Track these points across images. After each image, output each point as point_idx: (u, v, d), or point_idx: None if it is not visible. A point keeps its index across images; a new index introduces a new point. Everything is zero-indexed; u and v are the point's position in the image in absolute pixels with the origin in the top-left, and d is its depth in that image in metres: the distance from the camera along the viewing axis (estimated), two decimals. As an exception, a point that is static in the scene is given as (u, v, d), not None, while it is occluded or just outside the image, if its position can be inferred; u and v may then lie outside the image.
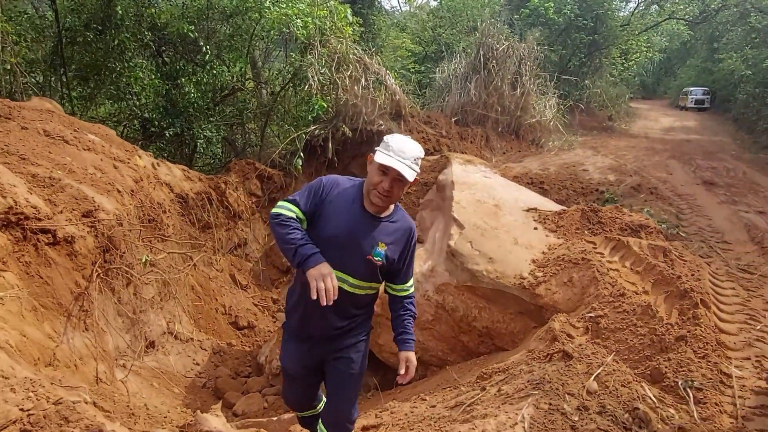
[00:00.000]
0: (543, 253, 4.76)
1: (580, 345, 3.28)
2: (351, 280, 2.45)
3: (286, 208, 2.37)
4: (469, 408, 3.17)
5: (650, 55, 27.66)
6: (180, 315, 7.04)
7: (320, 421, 2.78)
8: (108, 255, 5.05)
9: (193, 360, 6.78)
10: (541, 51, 13.78)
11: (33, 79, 9.86)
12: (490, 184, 6.52)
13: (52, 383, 2.87)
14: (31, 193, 4.46)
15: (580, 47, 19.87)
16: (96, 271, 4.79)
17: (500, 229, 5.16)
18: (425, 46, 16.66)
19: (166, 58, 10.55)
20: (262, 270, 8.75)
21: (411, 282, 2.73)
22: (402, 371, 2.51)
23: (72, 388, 3.04)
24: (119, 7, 7.97)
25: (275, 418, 4.14)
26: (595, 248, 4.80)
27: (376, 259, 2.43)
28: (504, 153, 11.97)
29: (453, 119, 11.44)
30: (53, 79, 9.79)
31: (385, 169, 2.33)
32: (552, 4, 17.97)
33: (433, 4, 18.53)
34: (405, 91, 11.84)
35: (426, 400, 3.87)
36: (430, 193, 6.95)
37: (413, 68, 15.67)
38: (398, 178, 2.32)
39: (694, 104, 30.46)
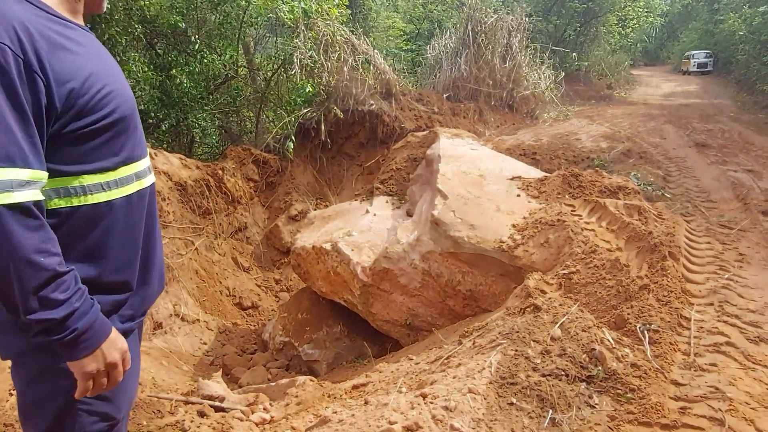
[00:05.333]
0: (524, 218, 4.95)
1: (549, 298, 3.49)
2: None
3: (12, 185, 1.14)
4: (447, 360, 3.40)
5: (650, 20, 27.29)
6: (185, 298, 7.34)
7: None
8: (110, 241, 5.30)
9: (201, 340, 7.09)
10: (531, 22, 13.74)
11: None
12: (476, 156, 6.68)
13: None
14: (32, 185, 4.70)
15: (574, 16, 19.71)
16: (99, 256, 5.05)
17: (483, 198, 5.34)
18: (417, 24, 16.66)
19: (159, 50, 10.71)
20: (263, 252, 9.01)
21: None
22: None
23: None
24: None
25: (273, 384, 4.41)
26: (574, 211, 4.98)
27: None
28: (498, 126, 12.07)
29: (445, 95, 11.54)
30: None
31: None
32: (544, -26, 17.87)
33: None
34: (397, 70, 11.93)
35: (412, 359, 4.11)
36: (419, 168, 7.12)
37: (405, 47, 15.70)
38: None
39: (697, 68, 30.09)
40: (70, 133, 1.29)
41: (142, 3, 9.96)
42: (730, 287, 3.87)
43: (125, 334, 1.48)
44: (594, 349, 2.83)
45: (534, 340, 3.04)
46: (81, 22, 1.49)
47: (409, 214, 6.34)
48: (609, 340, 2.95)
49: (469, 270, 4.69)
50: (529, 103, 13.22)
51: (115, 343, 1.36)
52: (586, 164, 8.96)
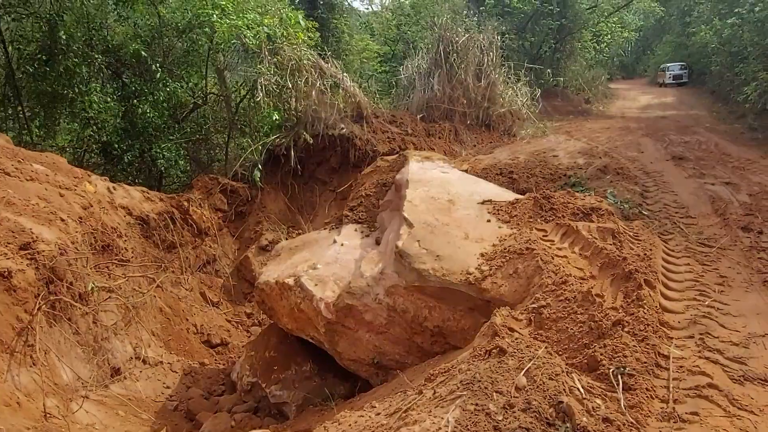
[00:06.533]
0: (493, 245, 4.67)
1: (516, 339, 3.19)
2: None
3: None
4: (405, 414, 3.07)
5: (625, 35, 27.65)
6: (148, 339, 6.92)
7: None
8: (53, 286, 4.93)
9: (164, 383, 6.66)
10: (504, 40, 13.71)
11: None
12: (446, 180, 6.43)
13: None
14: (-40, 231, 4.34)
15: (549, 33, 19.81)
16: (38, 303, 4.67)
17: (451, 225, 5.07)
18: (392, 46, 16.59)
19: (125, 80, 10.42)
20: (234, 285, 8.63)
21: None
22: None
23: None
24: (62, 33, 7.83)
25: (225, 440, 4.04)
26: (546, 236, 4.72)
27: None
28: (475, 146, 11.89)
29: (419, 116, 11.35)
30: (12, 110, 9.67)
31: None
32: (515, -8, 17.93)
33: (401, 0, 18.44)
34: (371, 92, 11.76)
35: (375, 407, 3.77)
36: (389, 194, 6.85)
37: (380, 68, 15.58)
38: None
39: (673, 80, 30.48)
40: None
41: (105, 32, 9.73)
42: (711, 316, 3.60)
43: None
44: (561, 402, 2.52)
45: (497, 391, 2.74)
46: None
47: (378, 243, 6.04)
48: (579, 390, 2.65)
49: (436, 304, 4.38)
50: (505, 121, 13.09)
51: None
52: (563, 182, 8.74)
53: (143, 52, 9.03)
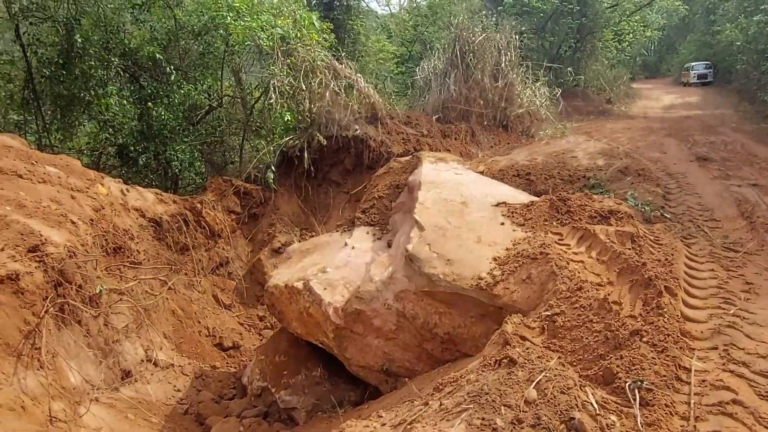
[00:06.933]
0: (507, 249, 4.51)
1: (527, 349, 3.04)
2: None
3: None
4: (410, 427, 2.94)
5: (648, 34, 27.13)
6: (159, 341, 6.91)
7: None
8: (61, 289, 4.93)
9: (174, 387, 6.63)
10: (522, 40, 13.49)
11: (18, 116, 9.89)
12: (459, 181, 6.28)
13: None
14: (-32, 233, 4.35)
15: (569, 33, 19.50)
16: (46, 306, 4.66)
17: (463, 228, 4.92)
18: (408, 47, 16.47)
19: (143, 83, 10.52)
20: (246, 287, 8.60)
21: None
22: None
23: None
24: (78, 36, 7.91)
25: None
26: (562, 239, 4.55)
27: None
28: (492, 147, 11.70)
29: (434, 117, 11.21)
30: (33, 114, 9.81)
31: None
32: (534, -8, 17.69)
33: (418, 1, 18.35)
34: (387, 93, 11.66)
35: (382, 417, 3.65)
36: (402, 196, 6.73)
37: (397, 70, 15.47)
38: None
39: (697, 79, 29.91)
40: None
41: (122, 36, 9.81)
42: (736, 326, 3.39)
43: None
44: (573, 418, 2.37)
45: (505, 405, 2.59)
46: None
47: (390, 246, 5.92)
48: (592, 405, 2.49)
49: (447, 310, 4.24)
50: (524, 122, 12.87)
51: None
52: (581, 183, 8.51)
53: (159, 55, 9.08)
